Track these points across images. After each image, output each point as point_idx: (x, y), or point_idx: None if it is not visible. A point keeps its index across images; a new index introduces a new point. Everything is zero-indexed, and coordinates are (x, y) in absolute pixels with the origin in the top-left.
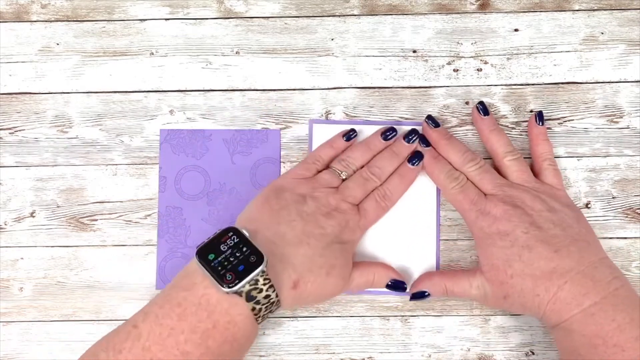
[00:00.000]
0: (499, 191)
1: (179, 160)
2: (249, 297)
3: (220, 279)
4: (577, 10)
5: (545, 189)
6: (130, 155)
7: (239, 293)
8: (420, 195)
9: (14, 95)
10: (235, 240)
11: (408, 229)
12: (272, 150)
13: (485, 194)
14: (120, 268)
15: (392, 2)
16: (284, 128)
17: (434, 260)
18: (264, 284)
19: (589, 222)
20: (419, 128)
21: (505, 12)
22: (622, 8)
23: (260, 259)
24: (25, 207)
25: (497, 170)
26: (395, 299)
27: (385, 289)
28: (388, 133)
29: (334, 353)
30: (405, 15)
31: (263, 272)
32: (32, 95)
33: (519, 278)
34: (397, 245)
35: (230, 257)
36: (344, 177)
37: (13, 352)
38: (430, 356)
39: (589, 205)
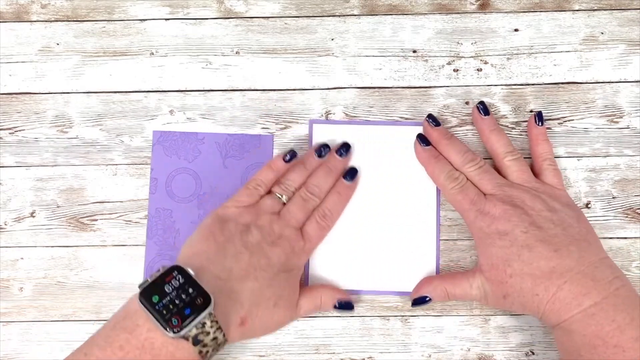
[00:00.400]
0: (499, 191)
1: (171, 162)
2: (196, 341)
3: (165, 323)
4: (577, 10)
5: (546, 189)
6: (130, 155)
7: (185, 337)
8: (420, 195)
9: (14, 95)
10: (181, 281)
11: (408, 229)
12: (264, 155)
13: (484, 194)
14: (120, 268)
15: (392, 2)
16: (284, 128)
17: (434, 260)
18: (211, 327)
19: (589, 222)
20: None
21: (505, 12)
22: (622, 8)
23: (207, 300)
24: (25, 207)
25: (497, 170)
26: (395, 299)
27: (386, 289)
28: (321, 150)
29: (334, 353)
30: (405, 15)
31: (210, 314)
32: (32, 95)
33: (518, 277)
34: (397, 246)
35: (175, 299)
36: (285, 201)
37: (13, 352)
38: (430, 356)
39: (589, 205)
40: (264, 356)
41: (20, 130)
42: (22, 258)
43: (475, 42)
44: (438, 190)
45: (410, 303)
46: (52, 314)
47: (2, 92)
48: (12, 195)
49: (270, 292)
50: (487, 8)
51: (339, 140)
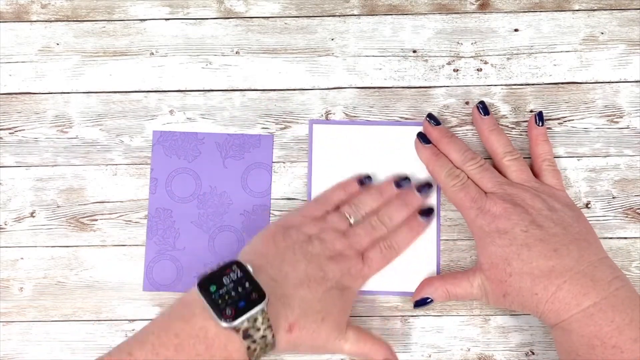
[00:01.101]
0: (499, 189)
1: (171, 162)
2: (246, 335)
3: (220, 313)
4: (577, 10)
5: (545, 188)
6: (130, 155)
7: (236, 329)
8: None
9: (14, 95)
10: (239, 275)
11: None
12: (264, 155)
13: (485, 193)
14: (120, 268)
15: (392, 2)
16: (284, 128)
17: (434, 260)
18: (263, 323)
19: (589, 222)
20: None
21: (505, 12)
22: (622, 8)
23: (261, 296)
24: (25, 207)
25: (497, 170)
26: (396, 299)
27: (387, 289)
28: (402, 182)
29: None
30: (405, 15)
31: (263, 310)
32: (32, 95)
33: (517, 276)
34: None
35: (231, 291)
36: (352, 222)
37: (13, 352)
38: (430, 356)
39: (589, 205)
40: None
41: (20, 130)
42: (22, 258)
43: (475, 42)
44: (438, 190)
45: (412, 303)
46: (52, 314)
47: (2, 92)
48: (12, 195)
49: (320, 306)
50: (487, 8)
51: (339, 141)
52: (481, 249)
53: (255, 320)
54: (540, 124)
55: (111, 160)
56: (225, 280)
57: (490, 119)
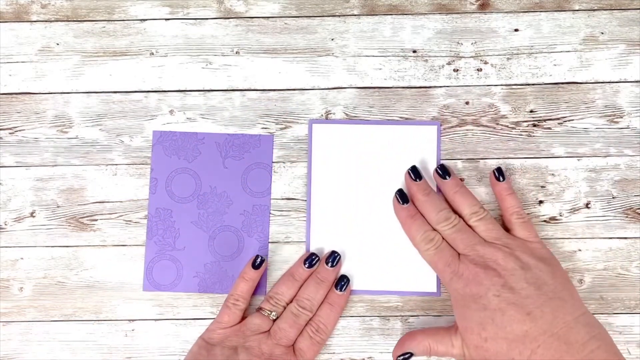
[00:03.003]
0: (471, 251)
1: (171, 162)
2: None
3: None
4: (577, 10)
5: (518, 243)
6: (130, 155)
7: None
8: None
9: (14, 95)
10: None
11: None
12: (264, 155)
13: (459, 254)
14: (120, 268)
15: (392, 2)
16: (284, 128)
17: None
18: None
19: (589, 222)
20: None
21: (505, 12)
22: (622, 8)
23: None
24: (25, 207)
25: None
26: (395, 298)
27: (387, 289)
28: (311, 259)
29: (334, 353)
30: (405, 15)
31: None
32: (32, 95)
33: (493, 341)
34: (397, 246)
35: None
36: (274, 318)
37: (13, 352)
38: (430, 356)
39: (589, 205)
40: None
41: (20, 130)
42: (22, 258)
43: (475, 42)
44: (438, 190)
45: (411, 302)
46: (52, 314)
47: (2, 92)
48: (12, 195)
49: None
50: (487, 8)
51: (339, 141)
52: (457, 312)
53: None
54: (502, 179)
55: (111, 160)
56: None
57: (453, 180)
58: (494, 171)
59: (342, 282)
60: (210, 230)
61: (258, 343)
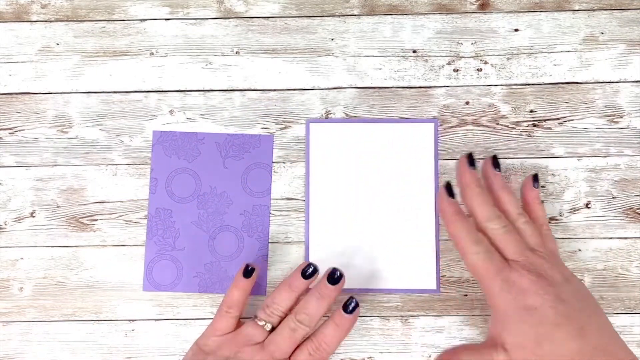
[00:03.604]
0: (521, 257)
1: (171, 162)
2: None
3: None
4: (577, 10)
5: (553, 257)
6: (130, 155)
7: None
8: (419, 195)
9: (14, 95)
10: None
11: (408, 228)
12: (264, 155)
13: (507, 259)
14: (120, 268)
15: (392, 2)
16: (284, 128)
17: (434, 260)
18: None
19: (589, 222)
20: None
21: (505, 12)
22: (622, 8)
23: None
24: (25, 207)
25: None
26: (396, 298)
27: (386, 289)
28: (307, 270)
29: (334, 353)
30: (405, 15)
31: None
32: (32, 95)
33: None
34: (397, 245)
35: None
36: (268, 329)
37: (13, 352)
38: (430, 356)
39: (589, 205)
40: None
41: (20, 130)
42: (22, 258)
43: (475, 42)
44: (437, 190)
45: (411, 302)
46: (52, 314)
47: (2, 92)
48: (12, 195)
49: None
50: (487, 8)
51: (337, 140)
52: (505, 326)
53: None
54: (536, 186)
55: (111, 160)
56: None
57: (501, 177)
58: (532, 176)
59: (350, 304)
60: (211, 230)
61: (251, 355)
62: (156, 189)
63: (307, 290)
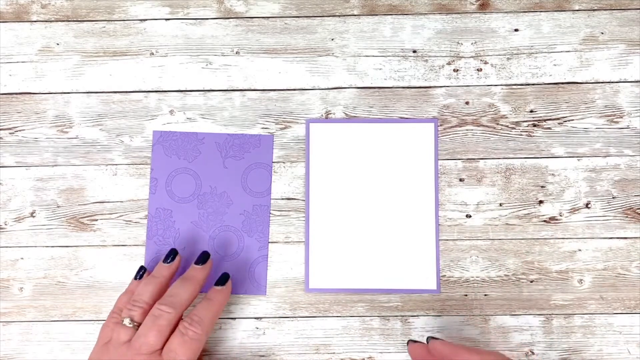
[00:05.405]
0: None
1: (171, 162)
2: None
3: None
4: (577, 10)
5: None
6: (130, 155)
7: None
8: (419, 195)
9: (14, 95)
10: None
11: (408, 228)
12: (264, 155)
13: None
14: (120, 268)
15: (392, 2)
16: (284, 128)
17: (434, 260)
18: None
19: (590, 222)
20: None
21: (505, 12)
22: (622, 8)
23: None
24: (25, 207)
25: None
26: (396, 298)
27: (386, 288)
28: (168, 255)
29: (334, 353)
30: (405, 15)
31: None
32: (32, 95)
33: None
34: (397, 246)
35: None
36: (129, 324)
37: (13, 352)
38: None
39: (589, 205)
40: (264, 356)
41: (20, 130)
42: (22, 258)
43: (475, 42)
44: (437, 190)
45: (410, 302)
46: (52, 314)
47: (2, 92)
48: (12, 195)
49: None
50: (487, 8)
51: (337, 140)
52: None
53: None
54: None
55: (111, 160)
56: None
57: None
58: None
59: (222, 278)
60: (211, 230)
61: (118, 356)
62: (156, 189)
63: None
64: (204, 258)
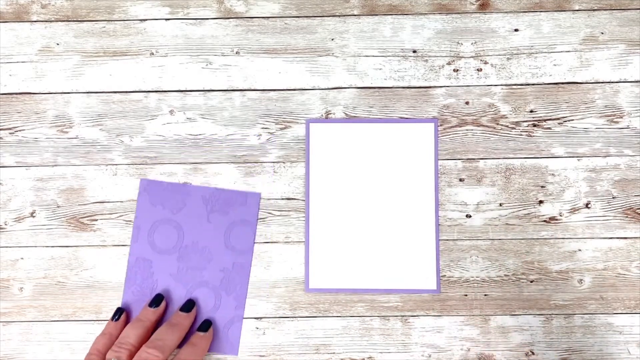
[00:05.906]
0: None
1: (155, 211)
2: None
3: None
4: (577, 10)
5: None
6: (130, 155)
7: None
8: (419, 195)
9: (14, 95)
10: None
11: (408, 228)
12: (249, 212)
13: None
14: (120, 268)
15: (392, 2)
16: (284, 128)
17: (434, 260)
18: None
19: (590, 222)
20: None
21: (505, 12)
22: (622, 8)
23: None
24: (25, 207)
25: None
26: (396, 298)
27: (386, 288)
28: (154, 300)
29: (334, 353)
30: (405, 15)
31: None
32: (32, 95)
33: None
34: (397, 246)
35: None
36: None
37: (13, 352)
38: (430, 356)
39: (589, 205)
40: (264, 356)
41: (20, 130)
42: (22, 258)
43: (475, 42)
44: (437, 190)
45: (410, 302)
46: (52, 314)
47: (2, 92)
48: (12, 195)
49: None
50: (487, 8)
51: (337, 140)
52: None
53: None
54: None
55: (111, 160)
56: None
57: None
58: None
59: (204, 324)
60: (189, 285)
61: None
62: (138, 238)
63: (160, 322)
64: (189, 306)
